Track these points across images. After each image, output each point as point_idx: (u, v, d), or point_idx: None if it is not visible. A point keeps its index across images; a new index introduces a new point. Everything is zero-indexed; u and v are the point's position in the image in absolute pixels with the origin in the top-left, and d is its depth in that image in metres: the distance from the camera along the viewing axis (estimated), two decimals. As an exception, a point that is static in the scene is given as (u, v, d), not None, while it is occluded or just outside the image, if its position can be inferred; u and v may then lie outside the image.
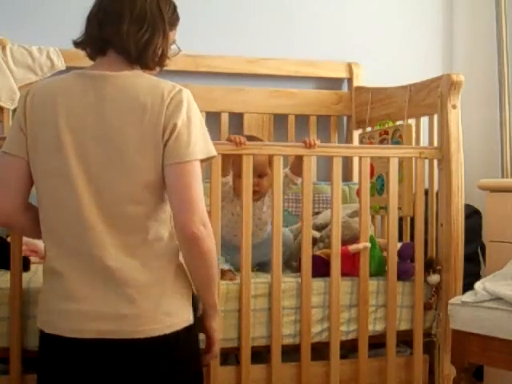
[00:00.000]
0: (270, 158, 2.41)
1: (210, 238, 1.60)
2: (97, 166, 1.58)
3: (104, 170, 1.58)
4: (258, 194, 2.51)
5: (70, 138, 1.59)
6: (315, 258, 2.45)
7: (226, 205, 2.50)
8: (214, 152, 1.65)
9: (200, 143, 1.61)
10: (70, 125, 1.60)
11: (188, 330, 1.64)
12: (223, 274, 2.39)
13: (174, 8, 1.82)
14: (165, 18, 1.72)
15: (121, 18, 1.64)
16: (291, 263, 2.68)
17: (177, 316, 1.61)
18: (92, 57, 1.75)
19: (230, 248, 2.48)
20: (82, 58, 3.35)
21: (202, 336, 1.74)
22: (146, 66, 1.71)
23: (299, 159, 2.44)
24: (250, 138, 2.49)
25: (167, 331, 1.59)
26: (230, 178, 2.50)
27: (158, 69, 1.77)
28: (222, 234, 2.42)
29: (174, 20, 1.81)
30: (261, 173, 2.50)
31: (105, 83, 1.63)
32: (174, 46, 1.83)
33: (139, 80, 1.65)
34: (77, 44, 1.77)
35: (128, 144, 1.57)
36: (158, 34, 1.70)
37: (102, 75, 1.65)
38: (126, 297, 1.57)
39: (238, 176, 2.45)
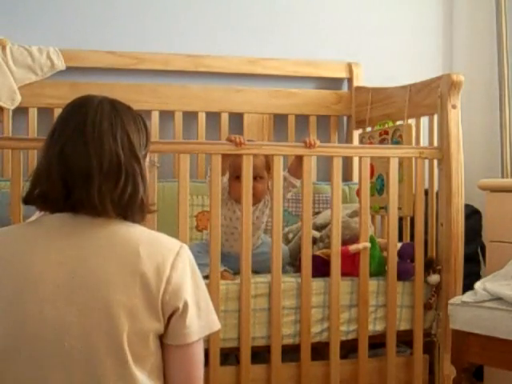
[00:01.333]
0: (269, 160, 2.41)
1: None
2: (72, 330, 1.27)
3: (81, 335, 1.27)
4: (253, 198, 2.41)
5: (35, 297, 1.27)
6: (315, 258, 2.45)
7: (227, 220, 2.50)
8: (217, 326, 1.40)
9: (205, 318, 1.37)
10: (37, 282, 1.28)
11: None
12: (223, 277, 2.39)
13: (145, 129, 1.43)
14: (138, 156, 1.36)
15: (90, 177, 1.30)
16: (287, 268, 2.66)
17: None
18: (49, 210, 1.37)
19: (222, 253, 2.41)
20: (82, 58, 3.37)
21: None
22: (133, 221, 1.37)
23: (298, 160, 2.43)
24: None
25: None
26: (225, 179, 2.47)
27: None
28: (223, 249, 2.41)
29: (147, 145, 1.43)
30: (256, 175, 2.45)
31: (89, 240, 1.31)
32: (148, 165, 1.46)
33: (132, 235, 1.34)
34: (29, 201, 1.36)
35: (116, 310, 1.27)
36: (140, 182, 1.35)
37: (84, 231, 1.32)
38: None
39: (233, 178, 2.45)
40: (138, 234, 1.35)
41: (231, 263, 2.45)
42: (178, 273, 1.32)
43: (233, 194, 2.49)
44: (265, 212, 2.57)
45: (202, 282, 1.38)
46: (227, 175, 2.48)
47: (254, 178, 2.43)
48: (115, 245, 1.31)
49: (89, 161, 1.31)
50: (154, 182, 2.15)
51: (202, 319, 1.35)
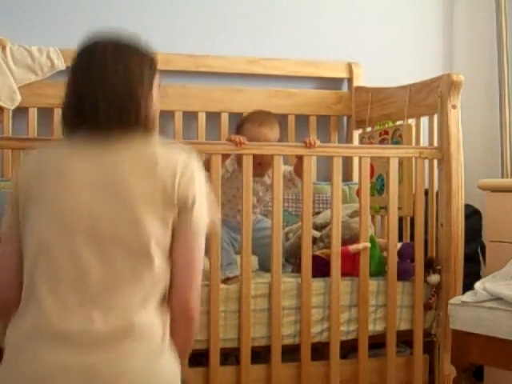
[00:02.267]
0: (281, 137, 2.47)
1: (199, 310, 1.60)
2: (105, 230, 1.50)
3: (112, 228, 1.51)
4: (259, 169, 2.47)
5: (73, 201, 1.51)
6: (315, 258, 2.45)
7: (229, 180, 2.48)
8: (216, 217, 1.68)
9: (206, 216, 1.60)
10: (77, 198, 1.51)
11: None
12: (230, 279, 2.39)
13: (150, 61, 1.68)
14: (137, 87, 1.59)
15: (96, 106, 1.55)
16: (290, 260, 2.67)
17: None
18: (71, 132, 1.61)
19: (232, 228, 2.46)
20: (82, 58, 3.32)
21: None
22: (141, 135, 1.60)
23: (301, 160, 2.44)
24: (263, 114, 2.52)
25: None
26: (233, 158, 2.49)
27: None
28: (224, 211, 2.43)
29: (153, 76, 1.65)
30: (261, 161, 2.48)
31: (116, 156, 1.55)
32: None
33: (152, 150, 1.58)
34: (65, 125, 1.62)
35: (139, 211, 1.51)
36: (142, 102, 1.58)
37: (110, 147, 1.55)
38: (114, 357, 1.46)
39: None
40: (155, 144, 1.60)
41: (233, 229, 2.45)
42: (188, 174, 1.56)
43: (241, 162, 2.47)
44: (269, 189, 2.55)
45: (206, 186, 1.62)
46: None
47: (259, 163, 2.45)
48: (137, 153, 1.56)
49: (95, 93, 1.55)
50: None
51: (206, 213, 1.58)
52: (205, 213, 1.59)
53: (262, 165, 2.48)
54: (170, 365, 1.52)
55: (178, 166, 1.56)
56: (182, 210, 1.55)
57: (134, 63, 1.61)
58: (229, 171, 2.47)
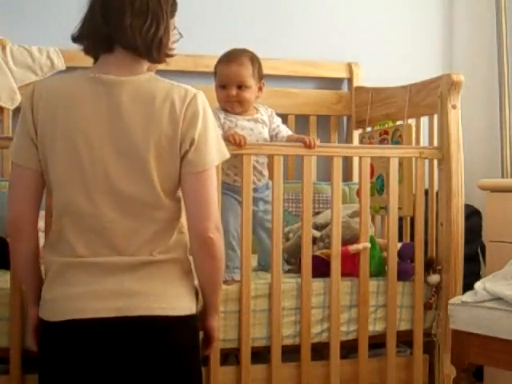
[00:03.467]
0: (260, 69, 2.51)
1: (222, 242, 1.67)
2: (116, 174, 1.61)
3: (124, 179, 1.61)
4: (239, 107, 2.50)
5: (86, 147, 1.60)
6: (315, 259, 2.45)
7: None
8: (227, 154, 1.73)
9: (216, 150, 1.66)
10: (85, 132, 1.60)
11: (192, 318, 1.68)
12: (231, 281, 2.39)
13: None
14: (164, 8, 1.69)
15: (123, 13, 1.62)
16: (290, 260, 2.67)
17: (183, 302, 1.66)
18: (92, 52, 1.73)
19: (235, 192, 2.45)
20: (82, 58, 3.34)
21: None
22: (154, 60, 1.70)
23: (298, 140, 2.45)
24: (232, 50, 2.54)
25: (174, 313, 1.63)
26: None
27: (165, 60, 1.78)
28: (227, 180, 2.44)
29: (174, 8, 1.79)
30: (241, 84, 2.49)
31: (119, 90, 1.62)
32: (175, 32, 1.83)
33: (154, 86, 1.65)
34: (77, 38, 1.75)
35: (146, 153, 1.60)
36: (162, 26, 1.68)
37: (115, 81, 1.63)
38: (139, 276, 1.62)
39: (218, 86, 2.51)
40: (162, 83, 1.66)
41: (237, 193, 2.44)
42: (191, 111, 1.62)
43: (220, 103, 2.53)
44: (265, 127, 2.56)
45: (213, 122, 1.68)
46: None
47: (239, 87, 2.49)
48: (142, 95, 1.63)
49: (123, 2, 1.63)
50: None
51: (214, 149, 1.65)
52: (213, 148, 1.64)
53: (241, 101, 2.50)
54: (184, 290, 1.66)
55: (181, 104, 1.61)
56: (188, 149, 1.61)
57: None
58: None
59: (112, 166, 1.60)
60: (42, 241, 2.64)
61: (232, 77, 2.47)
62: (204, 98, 1.67)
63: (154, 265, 1.63)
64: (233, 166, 2.46)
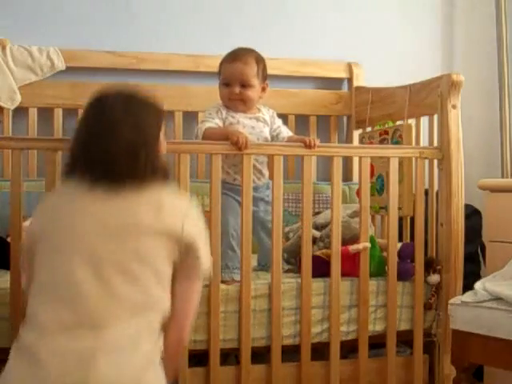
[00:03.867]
0: (264, 68, 2.52)
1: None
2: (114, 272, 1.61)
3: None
4: (243, 106, 2.51)
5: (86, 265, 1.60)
6: (315, 258, 2.44)
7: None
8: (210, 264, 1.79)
9: (207, 261, 1.76)
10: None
11: None
12: (227, 282, 2.39)
13: (158, 111, 1.78)
14: (151, 135, 1.70)
15: (110, 155, 1.63)
16: (290, 260, 2.67)
17: None
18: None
19: (235, 191, 2.44)
20: (82, 58, 3.36)
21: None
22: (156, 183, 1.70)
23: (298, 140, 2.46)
24: (238, 49, 2.53)
25: None
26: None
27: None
28: (228, 179, 2.44)
29: (160, 125, 1.77)
30: (244, 83, 2.49)
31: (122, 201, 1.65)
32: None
33: (157, 196, 1.68)
34: (67, 174, 1.72)
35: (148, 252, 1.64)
36: (153, 154, 1.68)
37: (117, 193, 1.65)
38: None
39: (222, 84, 2.51)
40: (161, 191, 1.69)
41: (237, 193, 2.43)
42: (191, 219, 1.69)
43: (224, 100, 2.53)
44: (266, 126, 2.56)
45: (205, 233, 1.77)
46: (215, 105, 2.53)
47: (243, 86, 2.50)
48: (144, 199, 1.66)
49: (108, 145, 1.63)
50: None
51: (206, 258, 1.73)
52: (205, 257, 1.73)
53: (244, 100, 2.51)
54: (157, 377, 1.62)
55: (183, 212, 1.68)
56: (185, 252, 1.68)
57: (144, 114, 1.70)
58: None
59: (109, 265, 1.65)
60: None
61: (236, 75, 2.47)
62: (198, 208, 1.78)
63: (123, 352, 1.59)
64: (233, 165, 2.46)
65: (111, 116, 1.65)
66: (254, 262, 2.55)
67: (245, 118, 2.52)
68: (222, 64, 2.55)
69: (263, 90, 2.55)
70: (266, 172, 2.59)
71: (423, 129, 2.80)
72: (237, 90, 2.48)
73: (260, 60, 2.55)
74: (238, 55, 2.52)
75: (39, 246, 1.65)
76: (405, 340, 2.60)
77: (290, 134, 2.60)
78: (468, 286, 2.36)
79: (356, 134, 3.33)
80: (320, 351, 2.48)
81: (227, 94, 2.50)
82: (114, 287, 1.58)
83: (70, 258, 1.59)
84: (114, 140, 1.63)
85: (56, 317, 1.55)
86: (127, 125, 1.65)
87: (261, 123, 2.55)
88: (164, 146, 1.78)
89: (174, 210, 1.68)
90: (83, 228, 1.61)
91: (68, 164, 1.71)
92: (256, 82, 2.50)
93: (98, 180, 1.63)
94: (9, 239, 2.27)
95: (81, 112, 1.78)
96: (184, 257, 1.68)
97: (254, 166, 2.44)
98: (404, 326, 2.55)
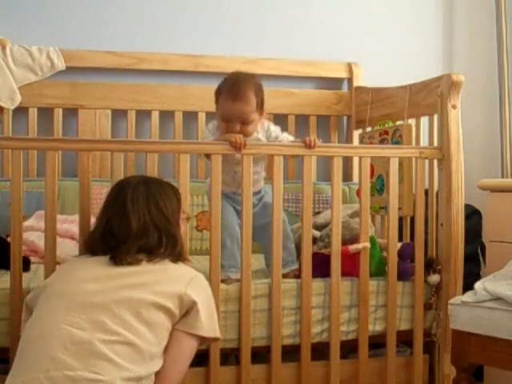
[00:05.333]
0: (262, 100, 2.46)
1: None
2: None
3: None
4: (245, 132, 2.42)
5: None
6: (316, 256, 2.44)
7: (227, 165, 2.44)
8: (218, 334, 1.96)
9: (214, 324, 1.93)
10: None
11: None
12: (226, 281, 2.39)
13: (176, 196, 2.05)
14: (171, 220, 1.98)
15: (129, 239, 1.89)
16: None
17: None
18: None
19: (235, 201, 2.45)
20: (82, 58, 3.36)
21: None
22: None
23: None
24: (237, 85, 2.45)
25: None
26: (213, 125, 2.48)
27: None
28: (226, 190, 2.42)
29: (179, 209, 2.05)
30: (244, 120, 2.42)
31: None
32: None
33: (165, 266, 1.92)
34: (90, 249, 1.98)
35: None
36: (172, 237, 1.94)
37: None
38: None
39: (222, 120, 2.42)
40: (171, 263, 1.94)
41: (237, 203, 2.43)
42: (195, 286, 1.88)
43: (219, 131, 2.45)
44: (261, 159, 2.53)
45: (211, 301, 1.97)
46: (213, 123, 2.48)
47: (243, 123, 2.41)
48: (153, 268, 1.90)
49: (129, 229, 1.90)
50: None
51: (211, 321, 1.89)
52: (212, 319, 1.91)
53: (244, 134, 2.41)
54: None
55: (188, 280, 1.87)
56: (186, 315, 1.85)
57: (163, 199, 1.96)
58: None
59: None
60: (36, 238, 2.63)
61: (236, 114, 2.40)
62: (203, 280, 2.02)
63: None
64: (232, 178, 2.47)
65: (133, 204, 1.93)
66: (255, 262, 2.55)
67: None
68: (220, 97, 2.46)
69: (261, 114, 2.48)
70: (262, 181, 2.57)
71: (423, 129, 2.80)
72: (237, 127, 2.40)
73: (259, 90, 2.48)
74: (238, 94, 2.41)
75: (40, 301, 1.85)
76: (405, 340, 2.60)
77: (291, 138, 2.57)
78: (468, 286, 2.36)
79: (356, 133, 3.33)
80: (320, 351, 2.48)
81: (227, 130, 2.41)
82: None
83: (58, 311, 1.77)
84: (135, 223, 1.91)
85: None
86: (150, 211, 1.93)
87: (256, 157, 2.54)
88: (180, 229, 2.05)
89: (179, 280, 1.87)
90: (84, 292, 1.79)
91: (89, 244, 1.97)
92: (256, 115, 2.44)
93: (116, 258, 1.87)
94: (9, 239, 2.26)
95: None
96: (184, 319, 1.85)
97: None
98: (404, 326, 2.55)
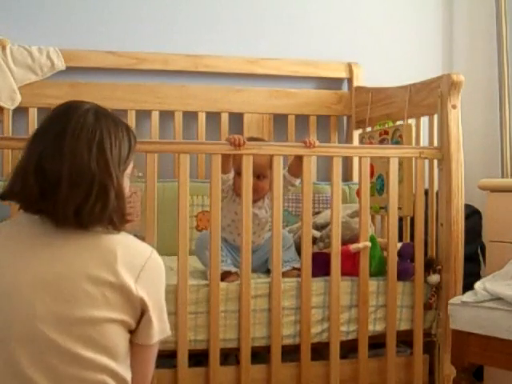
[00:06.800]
0: (271, 159, 2.41)
1: None
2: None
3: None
4: (255, 195, 2.44)
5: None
6: (317, 255, 2.44)
7: (228, 205, 2.49)
8: (168, 331, 1.54)
9: (164, 324, 1.53)
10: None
11: None
12: (227, 275, 2.39)
13: (129, 143, 1.50)
14: (114, 172, 1.41)
15: (59, 183, 1.36)
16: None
17: None
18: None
19: (233, 249, 2.48)
20: (82, 58, 3.36)
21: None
22: (107, 231, 1.44)
23: (298, 160, 2.43)
24: (252, 140, 2.47)
25: None
26: (231, 176, 2.47)
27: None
28: (224, 234, 2.43)
29: (129, 153, 1.49)
30: (260, 174, 2.47)
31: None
32: (135, 172, 1.61)
33: (110, 243, 1.43)
34: (5, 197, 1.46)
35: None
36: (112, 195, 1.40)
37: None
38: None
39: (238, 174, 2.44)
40: (114, 241, 1.43)
41: (236, 252, 2.44)
42: (148, 276, 1.44)
43: (237, 191, 2.47)
44: (268, 212, 2.55)
45: (163, 289, 1.51)
46: (232, 172, 2.47)
47: (258, 177, 2.45)
48: (96, 247, 1.42)
49: (61, 170, 1.37)
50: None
51: (161, 323, 1.50)
52: (162, 320, 1.50)
53: (257, 191, 2.45)
54: None
55: (140, 267, 1.43)
56: (141, 313, 1.45)
57: (110, 140, 1.44)
58: (225, 191, 2.44)
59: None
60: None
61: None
62: (159, 261, 1.50)
63: None
64: (232, 220, 2.48)
65: (73, 138, 1.40)
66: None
67: (254, 208, 2.47)
68: (232, 156, 2.42)
69: None
70: (267, 228, 2.55)
71: (423, 129, 2.80)
72: (253, 182, 2.37)
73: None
74: (261, 172, 2.47)
75: None
76: (405, 340, 2.60)
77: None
78: (468, 286, 2.36)
79: (356, 134, 3.33)
80: (320, 351, 2.48)
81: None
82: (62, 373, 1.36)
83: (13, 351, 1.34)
84: (72, 168, 1.38)
85: None
86: (91, 153, 1.39)
87: (263, 210, 2.54)
88: (124, 187, 1.49)
89: (129, 267, 1.41)
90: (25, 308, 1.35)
91: (9, 187, 1.44)
92: (269, 172, 2.45)
93: (48, 215, 1.39)
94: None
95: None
96: (140, 319, 1.46)
97: (257, 224, 2.48)
98: (404, 326, 2.55)
